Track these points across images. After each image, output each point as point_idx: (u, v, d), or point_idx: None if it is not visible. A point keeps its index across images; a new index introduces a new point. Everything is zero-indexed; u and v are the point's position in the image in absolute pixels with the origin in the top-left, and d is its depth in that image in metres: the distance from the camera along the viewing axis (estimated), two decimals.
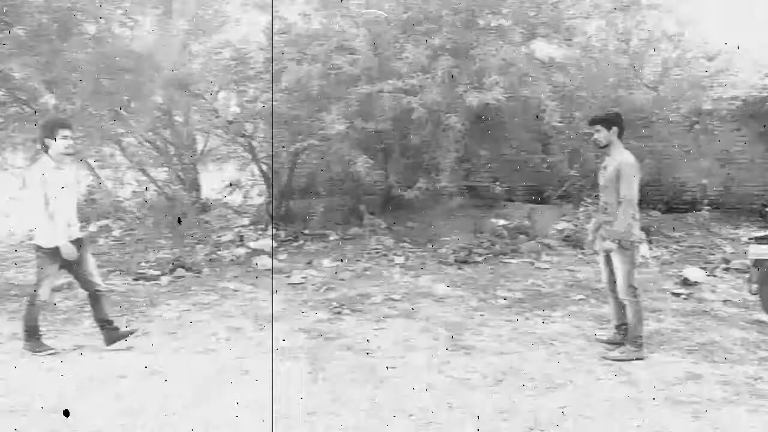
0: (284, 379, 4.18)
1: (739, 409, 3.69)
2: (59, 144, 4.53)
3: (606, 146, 4.70)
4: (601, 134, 4.66)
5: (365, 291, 6.50)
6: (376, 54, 7.83)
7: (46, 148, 4.56)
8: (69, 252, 4.55)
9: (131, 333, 4.92)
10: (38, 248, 4.61)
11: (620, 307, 4.74)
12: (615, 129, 4.65)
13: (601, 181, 4.75)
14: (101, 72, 7.43)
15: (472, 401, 3.82)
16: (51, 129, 4.55)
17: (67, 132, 4.55)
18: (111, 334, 4.82)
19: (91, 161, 8.49)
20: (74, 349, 4.83)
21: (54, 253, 4.55)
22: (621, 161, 4.55)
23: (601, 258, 4.86)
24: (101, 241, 9.20)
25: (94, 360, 4.60)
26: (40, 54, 6.92)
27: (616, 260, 4.59)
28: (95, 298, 4.81)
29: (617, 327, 4.85)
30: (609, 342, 4.86)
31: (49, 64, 6.98)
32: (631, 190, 4.49)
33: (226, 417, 3.62)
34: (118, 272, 7.35)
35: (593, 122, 4.75)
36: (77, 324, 5.50)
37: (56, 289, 6.62)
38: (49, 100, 7.16)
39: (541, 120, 7.81)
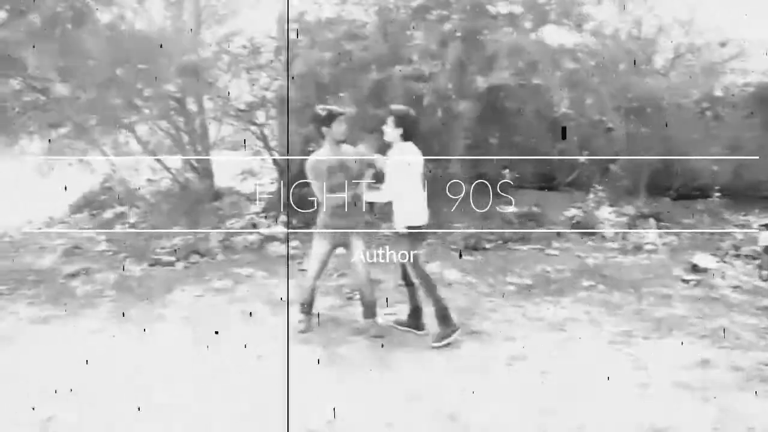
0: (297, 363, 4.27)
1: (749, 395, 3.75)
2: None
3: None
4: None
5: (376, 277, 6.55)
6: (387, 41, 7.84)
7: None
8: None
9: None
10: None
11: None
12: None
13: None
14: (115, 60, 7.49)
15: (482, 385, 3.90)
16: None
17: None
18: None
19: (106, 149, 8.59)
20: (91, 334, 4.94)
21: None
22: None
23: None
24: (117, 227, 9.32)
25: (109, 344, 4.71)
26: (54, 42, 6.97)
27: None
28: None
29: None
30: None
31: (64, 52, 7.04)
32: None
33: (239, 400, 3.71)
34: (133, 258, 7.46)
35: None
36: (96, 308, 5.61)
37: (73, 274, 6.76)
38: (61, 89, 7.22)
39: (552, 106, 7.82)
